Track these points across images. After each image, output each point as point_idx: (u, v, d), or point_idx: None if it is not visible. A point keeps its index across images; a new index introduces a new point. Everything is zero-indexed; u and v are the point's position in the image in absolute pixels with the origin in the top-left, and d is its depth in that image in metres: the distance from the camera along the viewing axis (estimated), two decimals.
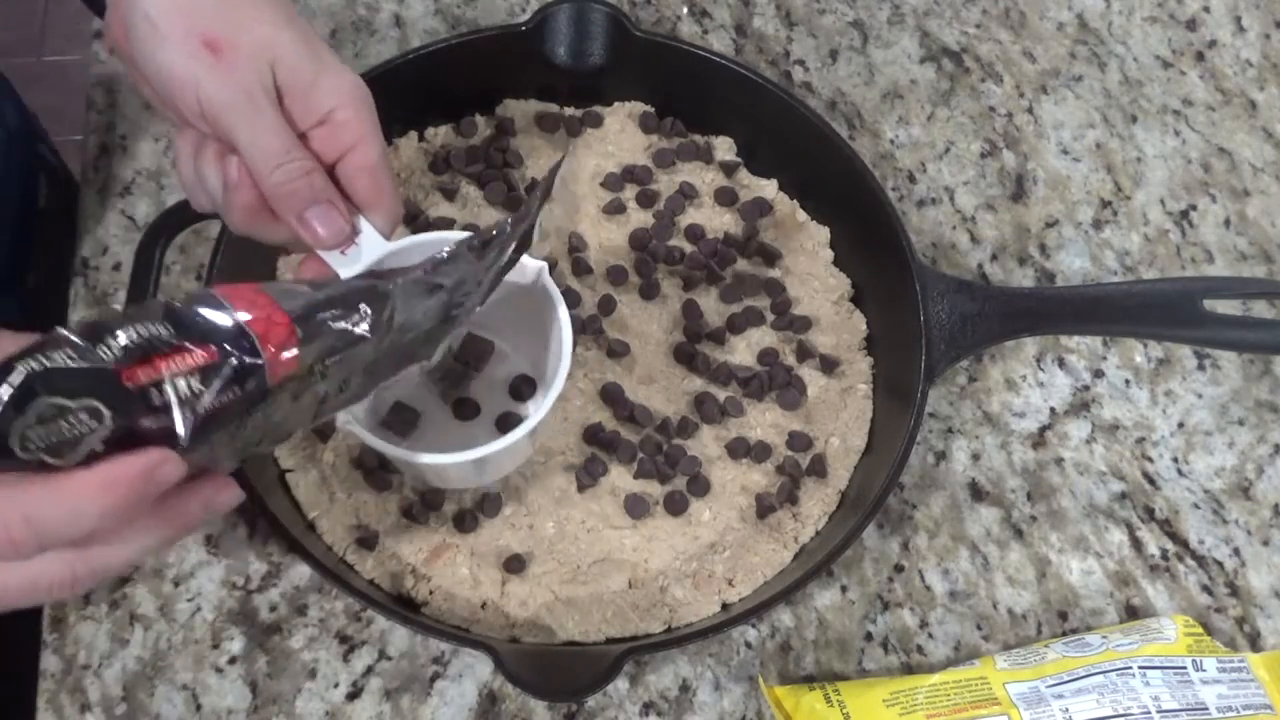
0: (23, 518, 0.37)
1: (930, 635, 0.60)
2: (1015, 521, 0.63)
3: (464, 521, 0.58)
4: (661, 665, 0.58)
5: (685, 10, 0.78)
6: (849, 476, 0.62)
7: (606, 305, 0.64)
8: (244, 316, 0.41)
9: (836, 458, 0.62)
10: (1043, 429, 0.66)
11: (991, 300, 0.63)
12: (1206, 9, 0.82)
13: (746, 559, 0.59)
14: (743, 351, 0.65)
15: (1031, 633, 0.61)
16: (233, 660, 0.56)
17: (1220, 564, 0.64)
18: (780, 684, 0.57)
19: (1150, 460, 0.66)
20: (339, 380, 0.45)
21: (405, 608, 0.56)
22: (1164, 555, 0.63)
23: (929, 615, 0.61)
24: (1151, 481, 0.65)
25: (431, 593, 0.57)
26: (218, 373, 0.39)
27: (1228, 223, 0.74)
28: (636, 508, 0.59)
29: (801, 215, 0.69)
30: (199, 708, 0.55)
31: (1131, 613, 0.62)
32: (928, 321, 0.61)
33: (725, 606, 0.58)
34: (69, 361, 0.37)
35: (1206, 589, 0.63)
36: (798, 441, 0.62)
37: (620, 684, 0.57)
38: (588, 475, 0.60)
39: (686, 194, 0.68)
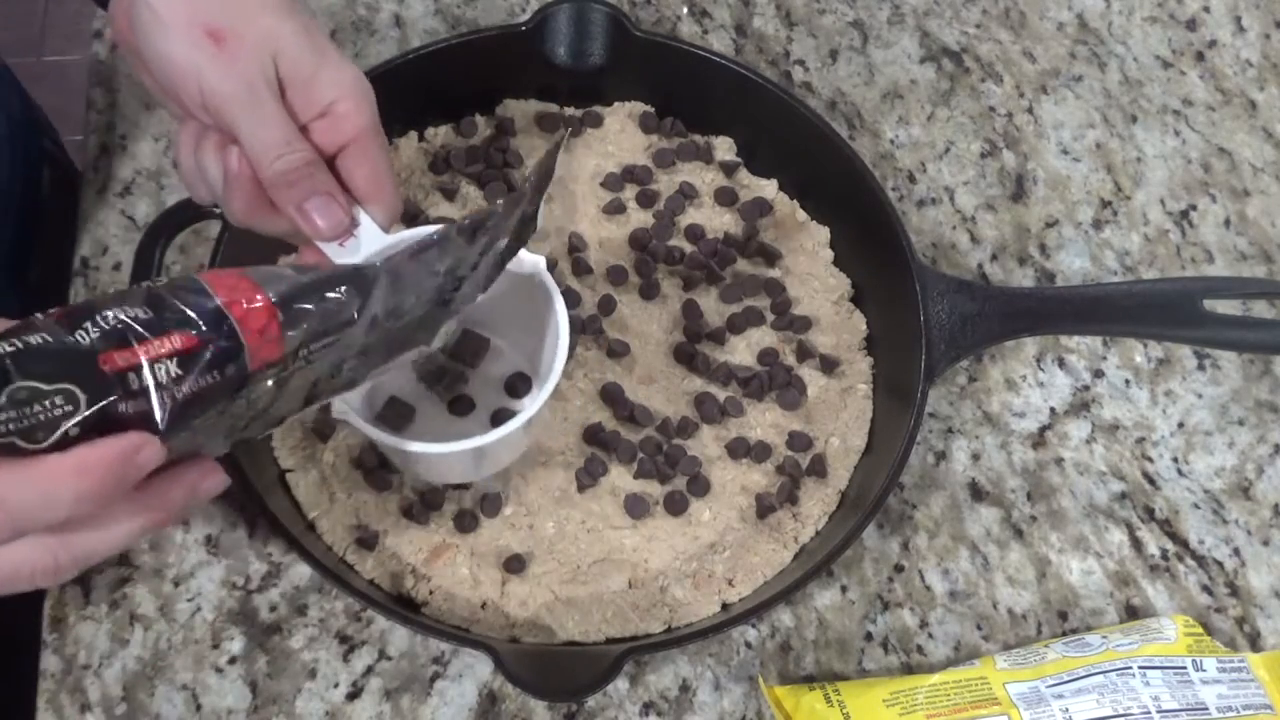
0: None
1: (930, 635, 0.60)
2: (1015, 521, 0.63)
3: (464, 521, 0.58)
4: (661, 665, 0.58)
5: (685, 10, 0.78)
6: (849, 476, 0.62)
7: (606, 305, 0.64)
8: (224, 301, 0.40)
9: (836, 458, 0.62)
10: (1043, 429, 0.66)
11: (991, 300, 0.63)
12: (1206, 9, 0.82)
13: (746, 559, 0.59)
14: (743, 351, 0.65)
15: (1031, 633, 0.61)
16: (233, 660, 0.56)
17: (1220, 564, 0.64)
18: (780, 684, 0.57)
19: (1150, 460, 0.66)
20: (329, 366, 0.45)
21: (405, 608, 0.56)
22: (1164, 555, 0.63)
23: (929, 615, 0.61)
24: (1151, 481, 0.65)
25: (431, 593, 0.57)
26: (197, 358, 0.39)
27: (1228, 223, 0.74)
28: (636, 508, 0.59)
29: (801, 215, 0.69)
30: (199, 708, 0.55)
31: (1131, 613, 0.62)
32: (928, 321, 0.61)
33: (725, 606, 0.58)
34: (44, 344, 0.37)
35: (1206, 589, 0.63)
36: (798, 441, 0.62)
37: (620, 684, 0.57)
38: (588, 475, 0.60)
39: (686, 194, 0.68)
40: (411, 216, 0.65)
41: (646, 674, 0.58)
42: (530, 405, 0.53)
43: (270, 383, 0.42)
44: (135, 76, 0.70)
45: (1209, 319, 0.62)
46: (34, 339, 0.37)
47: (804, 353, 0.64)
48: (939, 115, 0.76)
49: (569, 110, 0.70)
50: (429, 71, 0.66)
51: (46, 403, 0.37)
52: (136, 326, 0.38)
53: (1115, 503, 0.64)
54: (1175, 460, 0.66)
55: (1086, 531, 0.63)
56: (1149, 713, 0.54)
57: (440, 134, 0.68)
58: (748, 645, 0.59)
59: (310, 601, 0.58)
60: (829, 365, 0.64)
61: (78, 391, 0.37)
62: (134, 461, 0.39)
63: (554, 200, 0.67)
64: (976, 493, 0.64)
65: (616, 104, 0.70)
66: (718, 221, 0.68)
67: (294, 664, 0.56)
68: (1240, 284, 0.68)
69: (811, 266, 0.67)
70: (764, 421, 0.63)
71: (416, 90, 0.65)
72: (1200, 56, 0.80)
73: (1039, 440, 0.66)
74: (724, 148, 0.70)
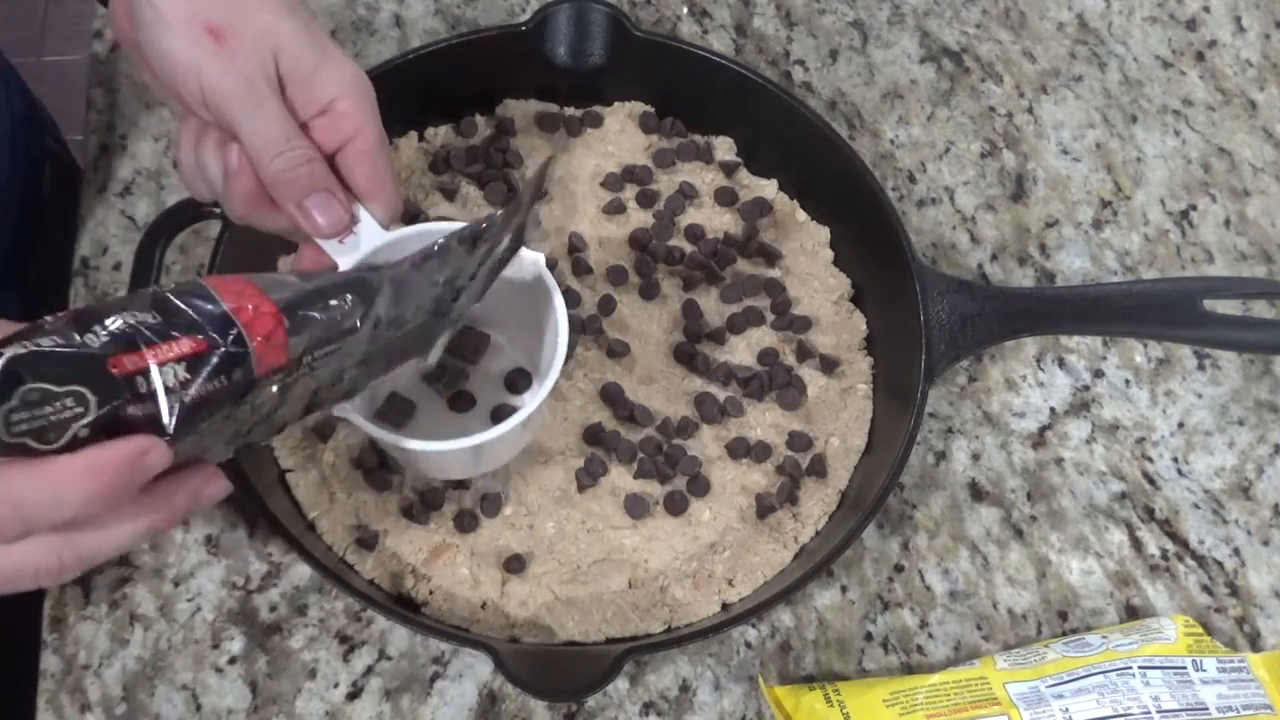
0: (5, 500, 0.37)
1: (930, 635, 0.60)
2: (1015, 521, 0.63)
3: (464, 521, 0.58)
4: (661, 665, 0.58)
5: (685, 10, 0.78)
6: (849, 476, 0.62)
7: (606, 305, 0.64)
8: (231, 306, 0.41)
9: (836, 458, 0.62)
10: (1043, 429, 0.66)
11: (991, 300, 0.63)
12: (1206, 9, 0.82)
13: (746, 559, 0.59)
14: (743, 351, 0.65)
15: (1031, 633, 0.61)
16: (233, 660, 0.56)
17: (1220, 564, 0.64)
18: (780, 684, 0.57)
19: (1150, 460, 0.66)
20: (331, 374, 0.45)
21: (405, 608, 0.56)
22: (1164, 555, 0.63)
23: (929, 615, 0.61)
24: (1151, 481, 0.65)
25: (431, 593, 0.57)
26: (205, 362, 0.40)
27: (1228, 223, 0.74)
28: (636, 508, 0.59)
29: (801, 215, 0.69)
30: (199, 708, 0.55)
31: (1131, 613, 0.62)
32: (928, 321, 0.61)
33: (725, 606, 0.58)
34: (56, 347, 0.37)
35: (1206, 589, 0.63)
36: (798, 441, 0.62)
37: (620, 684, 0.57)
38: (588, 475, 0.60)
39: (686, 194, 0.68)
40: (412, 216, 0.65)
41: (646, 674, 0.58)
42: (529, 403, 0.53)
43: (275, 388, 0.42)
44: (136, 74, 0.70)
45: (1209, 319, 0.62)
46: (45, 342, 0.37)
47: (804, 353, 0.64)
48: (939, 115, 0.76)
49: (569, 110, 0.70)
50: (429, 71, 0.66)
51: (58, 404, 0.37)
52: (145, 331, 0.39)
53: (1115, 503, 0.64)
54: (1175, 460, 0.66)
55: (1086, 531, 0.63)
56: (1149, 713, 0.54)
57: (440, 134, 0.68)
58: (748, 645, 0.59)
59: (310, 601, 0.58)
60: (829, 365, 0.64)
61: (88, 394, 0.37)
62: (142, 464, 0.39)
63: (554, 200, 0.67)
64: (976, 493, 0.64)
65: (616, 104, 0.70)
66: (718, 221, 0.68)
67: (294, 664, 0.56)
68: (1240, 284, 0.68)
69: (811, 266, 0.67)
70: (764, 421, 0.63)
71: (416, 90, 0.65)
72: (1200, 56, 0.80)
73: (1039, 440, 0.66)
74: (724, 148, 0.70)
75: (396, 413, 0.59)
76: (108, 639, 0.56)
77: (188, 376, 0.39)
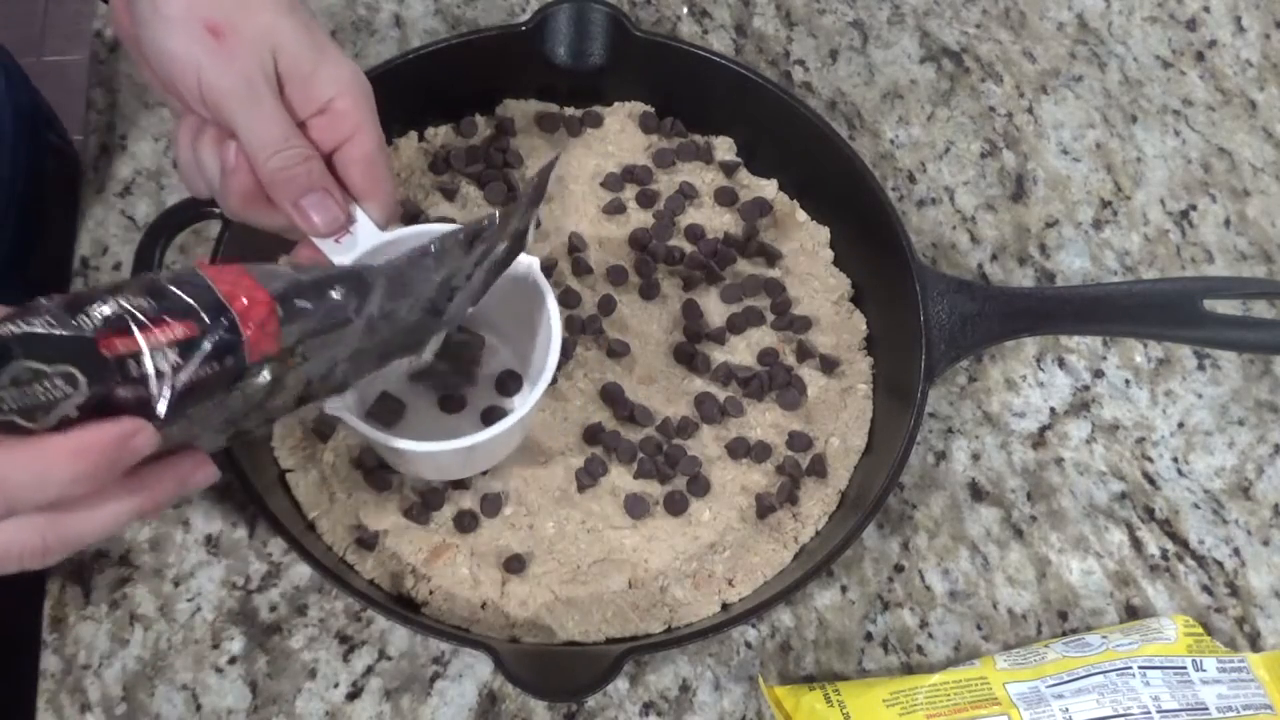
0: None
1: (930, 635, 0.60)
2: (1015, 521, 0.63)
3: (464, 521, 0.58)
4: (661, 665, 0.58)
5: (685, 10, 0.78)
6: (849, 476, 0.62)
7: (606, 305, 0.64)
8: (225, 293, 0.41)
9: (836, 458, 0.62)
10: (1043, 429, 0.66)
11: (991, 300, 0.63)
12: (1206, 9, 0.82)
13: (746, 559, 0.59)
14: (743, 351, 0.65)
15: (1031, 633, 0.61)
16: (233, 660, 0.56)
17: (1220, 564, 0.64)
18: (780, 684, 0.57)
19: (1150, 460, 0.66)
20: (324, 365, 0.45)
21: (405, 608, 0.56)
22: (1164, 555, 0.63)
23: (929, 615, 0.61)
24: (1151, 481, 0.65)
25: (431, 593, 0.57)
26: (196, 347, 0.40)
27: (1228, 223, 0.74)
28: (636, 508, 0.59)
29: (801, 215, 0.69)
30: (199, 708, 0.55)
31: (1131, 613, 0.62)
32: (928, 321, 0.61)
33: (725, 606, 0.58)
34: (47, 327, 0.37)
35: (1206, 589, 0.63)
36: (798, 441, 0.62)
37: (620, 684, 0.57)
38: (588, 475, 0.60)
39: (686, 194, 0.68)
40: (412, 216, 0.65)
41: (646, 674, 0.58)
42: (521, 406, 0.53)
43: (266, 377, 0.42)
44: (136, 74, 0.70)
45: (1209, 319, 0.62)
46: (37, 322, 0.37)
47: (804, 353, 0.64)
48: (939, 115, 0.76)
49: (569, 110, 0.70)
50: (429, 71, 0.66)
51: (48, 384, 0.37)
52: (138, 314, 0.39)
53: (1115, 503, 0.64)
54: (1175, 460, 0.66)
55: (1086, 531, 0.63)
56: (1149, 713, 0.54)
57: (440, 134, 0.68)
58: (748, 645, 0.59)
59: (310, 601, 0.58)
60: (829, 365, 0.64)
61: (78, 374, 0.38)
62: (129, 446, 0.39)
63: (554, 200, 0.67)
64: (976, 493, 0.64)
65: (616, 104, 0.70)
66: (718, 221, 0.68)
67: (294, 664, 0.56)
68: (1240, 284, 0.68)
69: (811, 266, 0.67)
70: (764, 421, 0.63)
71: (416, 90, 0.65)
72: (1200, 56, 0.80)
73: (1039, 440, 0.66)
74: (724, 148, 0.70)
75: (387, 412, 0.59)
76: (108, 639, 0.56)
77: (179, 361, 0.39)
